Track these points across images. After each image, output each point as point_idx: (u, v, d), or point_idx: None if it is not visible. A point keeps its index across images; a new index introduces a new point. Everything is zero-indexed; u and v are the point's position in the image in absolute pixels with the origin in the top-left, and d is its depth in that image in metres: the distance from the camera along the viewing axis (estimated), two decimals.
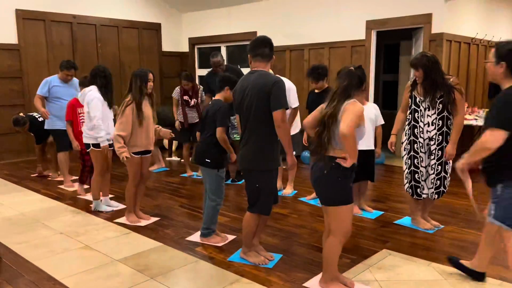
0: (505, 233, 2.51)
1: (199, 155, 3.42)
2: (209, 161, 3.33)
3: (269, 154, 2.92)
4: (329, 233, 2.68)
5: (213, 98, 3.52)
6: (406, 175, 3.67)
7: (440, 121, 3.45)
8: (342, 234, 2.60)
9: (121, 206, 4.43)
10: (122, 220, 4.04)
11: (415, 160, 3.57)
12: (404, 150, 3.66)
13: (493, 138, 2.32)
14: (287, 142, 2.86)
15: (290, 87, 4.65)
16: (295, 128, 4.76)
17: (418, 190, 3.61)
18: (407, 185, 3.68)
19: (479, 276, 2.80)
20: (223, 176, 3.43)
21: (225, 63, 5.67)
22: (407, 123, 3.64)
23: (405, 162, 3.67)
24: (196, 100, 5.87)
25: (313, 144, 2.60)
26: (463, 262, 2.88)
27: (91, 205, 4.45)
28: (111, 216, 4.18)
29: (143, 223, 3.97)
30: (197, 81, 8.63)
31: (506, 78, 2.42)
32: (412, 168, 3.59)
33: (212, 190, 3.40)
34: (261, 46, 2.90)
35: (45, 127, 5.37)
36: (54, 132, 5.33)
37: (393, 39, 7.55)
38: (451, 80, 3.43)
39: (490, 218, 2.54)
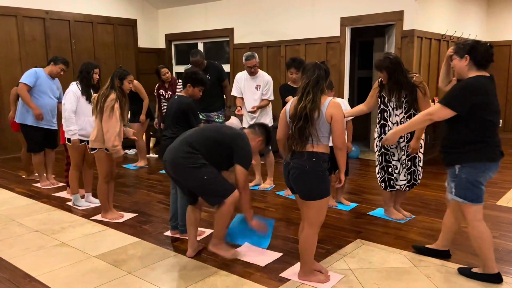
0: (465, 207, 2.69)
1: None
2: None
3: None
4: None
5: (178, 94, 3.56)
6: (379, 170, 3.78)
7: (408, 119, 3.53)
8: (319, 224, 2.68)
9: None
10: (99, 217, 4.02)
11: (386, 156, 3.69)
12: (376, 147, 3.78)
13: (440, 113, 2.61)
14: None
15: (268, 80, 4.87)
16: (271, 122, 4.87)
17: (391, 182, 3.72)
18: (379, 179, 3.80)
19: (446, 255, 3.04)
20: None
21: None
22: (377, 121, 3.75)
23: (377, 159, 3.78)
24: (170, 93, 5.89)
25: (291, 139, 2.61)
26: (428, 246, 3.12)
27: (68, 203, 4.42)
28: (88, 213, 4.16)
29: (121, 219, 3.97)
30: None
31: (470, 70, 2.62)
32: (384, 163, 3.71)
33: None
34: None
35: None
36: (24, 127, 4.99)
37: (367, 36, 7.70)
38: (414, 79, 3.54)
39: (452, 195, 2.73)
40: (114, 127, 3.65)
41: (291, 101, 2.71)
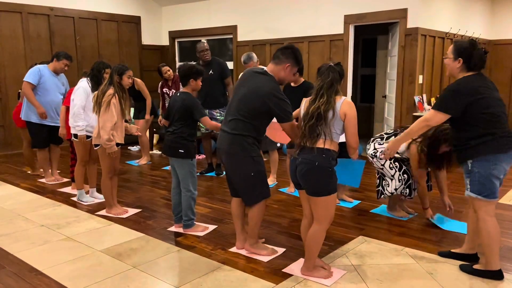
0: (478, 202, 2.68)
1: (170, 147, 3.44)
2: (182, 151, 3.39)
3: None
4: (311, 222, 2.75)
5: (180, 91, 3.58)
6: (399, 178, 3.67)
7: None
8: (328, 221, 2.69)
9: None
10: (104, 212, 4.06)
11: (401, 161, 3.71)
12: (383, 159, 3.71)
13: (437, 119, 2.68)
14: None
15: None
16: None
17: (412, 185, 3.71)
18: (402, 187, 3.68)
19: (475, 258, 2.95)
20: (195, 164, 3.51)
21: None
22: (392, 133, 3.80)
23: (391, 167, 3.70)
24: (174, 91, 5.91)
25: (301, 137, 2.63)
26: (454, 250, 3.06)
27: (73, 198, 4.46)
28: (93, 209, 4.20)
29: (125, 215, 4.00)
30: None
31: (461, 72, 2.70)
32: (405, 167, 3.69)
33: (186, 180, 3.45)
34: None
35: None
36: (29, 124, 5.03)
37: (370, 33, 7.71)
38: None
39: (467, 191, 2.72)
40: (109, 121, 3.67)
41: (303, 103, 2.74)
